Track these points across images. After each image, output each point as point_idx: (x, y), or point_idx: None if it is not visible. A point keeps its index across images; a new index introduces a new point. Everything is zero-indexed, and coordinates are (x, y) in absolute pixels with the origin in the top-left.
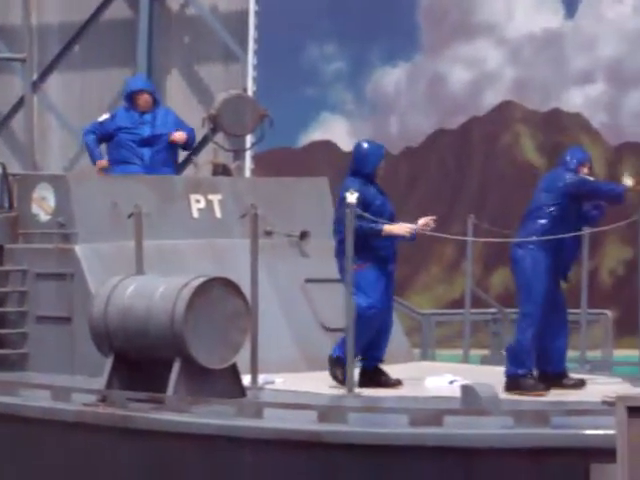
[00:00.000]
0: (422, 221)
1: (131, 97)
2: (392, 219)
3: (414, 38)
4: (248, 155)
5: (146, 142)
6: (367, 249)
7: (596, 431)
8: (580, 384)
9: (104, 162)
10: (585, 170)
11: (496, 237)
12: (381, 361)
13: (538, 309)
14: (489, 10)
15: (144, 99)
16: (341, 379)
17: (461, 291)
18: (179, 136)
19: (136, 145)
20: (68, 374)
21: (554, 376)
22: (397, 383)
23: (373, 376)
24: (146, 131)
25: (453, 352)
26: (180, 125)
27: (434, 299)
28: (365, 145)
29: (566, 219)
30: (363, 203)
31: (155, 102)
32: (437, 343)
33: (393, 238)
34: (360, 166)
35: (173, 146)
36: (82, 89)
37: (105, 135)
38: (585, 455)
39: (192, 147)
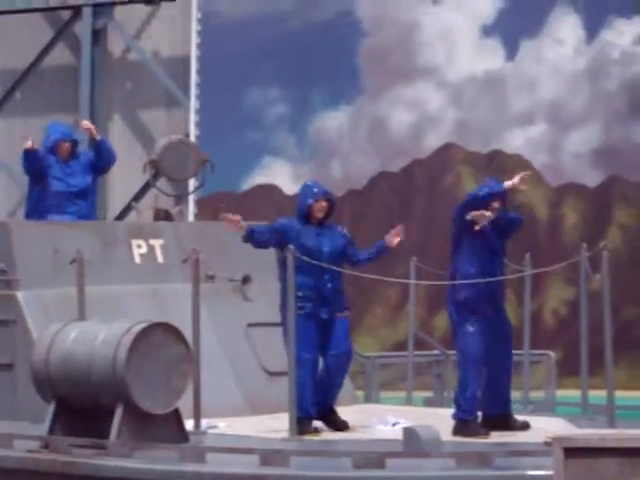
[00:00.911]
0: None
1: (54, 146)
2: (331, 257)
3: (356, 81)
4: (191, 199)
5: (80, 194)
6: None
7: (537, 472)
8: (525, 426)
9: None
10: (496, 204)
11: (439, 279)
12: (326, 406)
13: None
14: (430, 53)
15: (65, 148)
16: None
17: (405, 333)
18: (86, 124)
19: (72, 196)
20: (9, 420)
21: (499, 418)
22: (345, 427)
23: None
24: (78, 182)
25: (396, 394)
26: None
27: (378, 341)
28: (303, 185)
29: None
30: (282, 239)
31: (75, 149)
32: (381, 385)
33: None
34: (298, 205)
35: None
36: (23, 135)
37: (38, 165)
38: None
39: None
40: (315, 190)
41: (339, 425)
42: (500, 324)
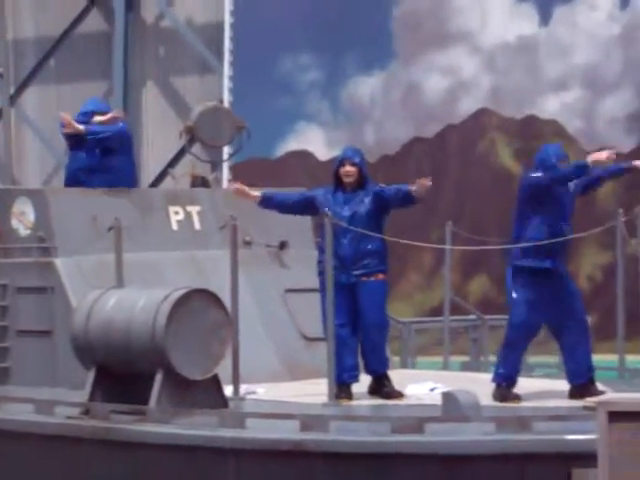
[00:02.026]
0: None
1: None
2: (353, 223)
3: (389, 47)
4: (225, 166)
5: (102, 168)
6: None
7: (577, 436)
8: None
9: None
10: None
11: (474, 244)
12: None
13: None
14: (464, 18)
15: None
16: None
17: (440, 298)
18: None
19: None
20: (49, 387)
21: (582, 386)
22: (399, 395)
23: (376, 387)
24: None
25: (432, 359)
26: None
27: (413, 307)
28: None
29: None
30: (308, 205)
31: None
32: (417, 350)
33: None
34: None
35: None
36: (58, 103)
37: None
38: (567, 460)
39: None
40: (340, 155)
41: (383, 394)
42: (564, 289)
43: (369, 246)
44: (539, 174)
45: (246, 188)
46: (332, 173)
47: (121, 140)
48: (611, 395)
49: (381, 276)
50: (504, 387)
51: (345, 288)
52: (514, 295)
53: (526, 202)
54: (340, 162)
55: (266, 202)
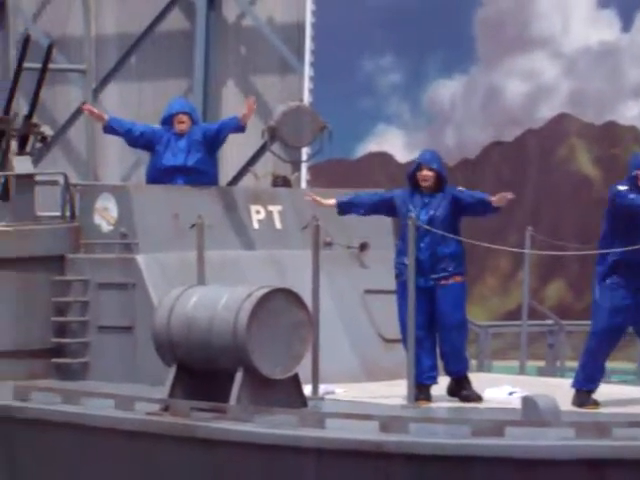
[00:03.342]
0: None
1: (170, 119)
2: (430, 225)
3: (470, 50)
4: (304, 166)
5: (187, 169)
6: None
7: None
8: None
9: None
10: None
11: (552, 249)
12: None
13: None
14: (545, 23)
15: (180, 121)
16: None
17: (516, 302)
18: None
19: (180, 171)
20: (129, 383)
21: None
22: (478, 399)
23: (455, 389)
24: (186, 157)
25: (508, 364)
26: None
27: (489, 310)
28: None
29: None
30: (388, 207)
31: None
32: (493, 354)
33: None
34: None
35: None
36: (138, 99)
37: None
38: None
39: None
40: (418, 159)
41: (462, 397)
42: None
43: (446, 250)
44: (625, 188)
45: (318, 198)
46: (408, 176)
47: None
48: None
49: (459, 279)
50: (584, 392)
51: (422, 291)
52: (597, 300)
53: (613, 218)
54: (417, 166)
55: (344, 208)
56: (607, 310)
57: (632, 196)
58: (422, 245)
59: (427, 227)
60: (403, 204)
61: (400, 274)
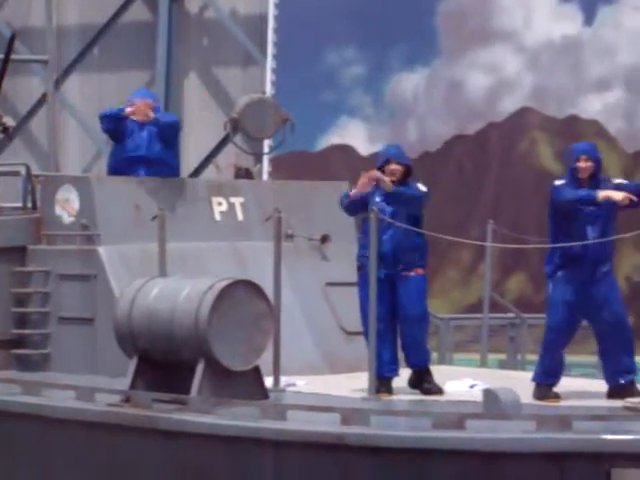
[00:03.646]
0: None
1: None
2: (394, 218)
3: (433, 43)
4: (266, 158)
5: (148, 160)
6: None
7: (618, 436)
8: None
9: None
10: (582, 164)
11: (513, 242)
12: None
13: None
14: (508, 17)
15: (141, 111)
16: None
17: (477, 295)
18: None
19: (143, 161)
20: (90, 374)
21: (618, 388)
22: (439, 391)
23: (416, 382)
24: (148, 147)
25: (469, 356)
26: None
27: (450, 303)
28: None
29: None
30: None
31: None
32: (453, 347)
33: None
34: None
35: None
36: (100, 91)
37: (115, 126)
38: (606, 460)
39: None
40: (384, 154)
41: (423, 390)
42: (604, 288)
43: (409, 242)
44: (562, 182)
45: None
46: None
47: (173, 131)
48: None
49: (420, 271)
50: (544, 386)
51: (384, 283)
52: (550, 295)
53: (555, 213)
54: (385, 160)
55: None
56: (560, 304)
57: (567, 191)
58: (385, 238)
59: (390, 220)
60: (370, 197)
61: (362, 266)
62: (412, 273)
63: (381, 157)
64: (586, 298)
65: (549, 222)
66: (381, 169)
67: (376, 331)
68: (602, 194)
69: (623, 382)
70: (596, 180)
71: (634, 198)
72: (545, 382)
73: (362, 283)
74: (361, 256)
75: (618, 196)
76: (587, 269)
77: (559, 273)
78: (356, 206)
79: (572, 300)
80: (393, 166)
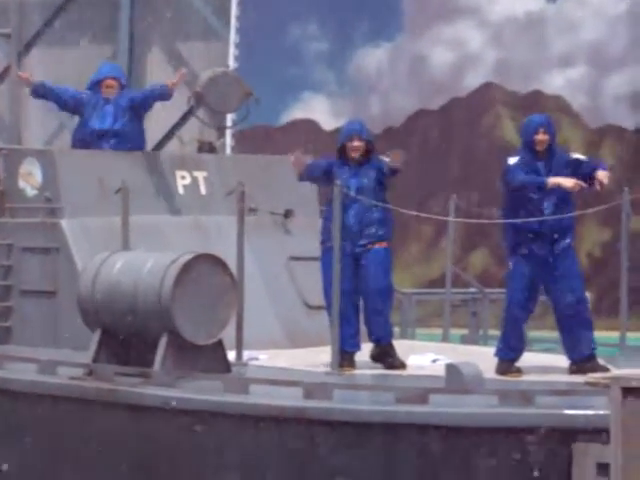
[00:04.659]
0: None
1: (98, 83)
2: (360, 194)
3: (396, 18)
4: (229, 132)
5: (114, 134)
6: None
7: (579, 411)
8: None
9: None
10: (540, 137)
11: (476, 218)
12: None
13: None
14: None
15: (108, 85)
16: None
17: (439, 270)
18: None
19: (107, 135)
20: (52, 348)
21: (582, 361)
22: (402, 366)
23: (379, 356)
24: (113, 121)
25: (431, 331)
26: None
27: (412, 277)
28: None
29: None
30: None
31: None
32: (416, 322)
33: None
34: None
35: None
36: (62, 64)
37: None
38: (568, 435)
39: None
40: (347, 130)
41: (387, 364)
42: (562, 264)
43: (374, 216)
44: (515, 161)
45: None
46: (337, 146)
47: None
48: (622, 371)
49: (384, 244)
50: (506, 361)
51: (348, 257)
52: (509, 271)
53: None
54: (348, 136)
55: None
56: (519, 279)
57: (519, 173)
58: (351, 212)
59: (355, 196)
60: (334, 173)
61: (324, 240)
62: (376, 246)
63: (343, 134)
64: (545, 273)
65: (503, 197)
66: (343, 146)
67: (339, 305)
68: (552, 180)
69: (583, 356)
70: (552, 152)
71: (584, 185)
72: (507, 357)
73: (325, 257)
74: (325, 230)
75: (568, 183)
76: (546, 243)
77: (517, 248)
78: (317, 177)
79: (531, 275)
80: (356, 142)
